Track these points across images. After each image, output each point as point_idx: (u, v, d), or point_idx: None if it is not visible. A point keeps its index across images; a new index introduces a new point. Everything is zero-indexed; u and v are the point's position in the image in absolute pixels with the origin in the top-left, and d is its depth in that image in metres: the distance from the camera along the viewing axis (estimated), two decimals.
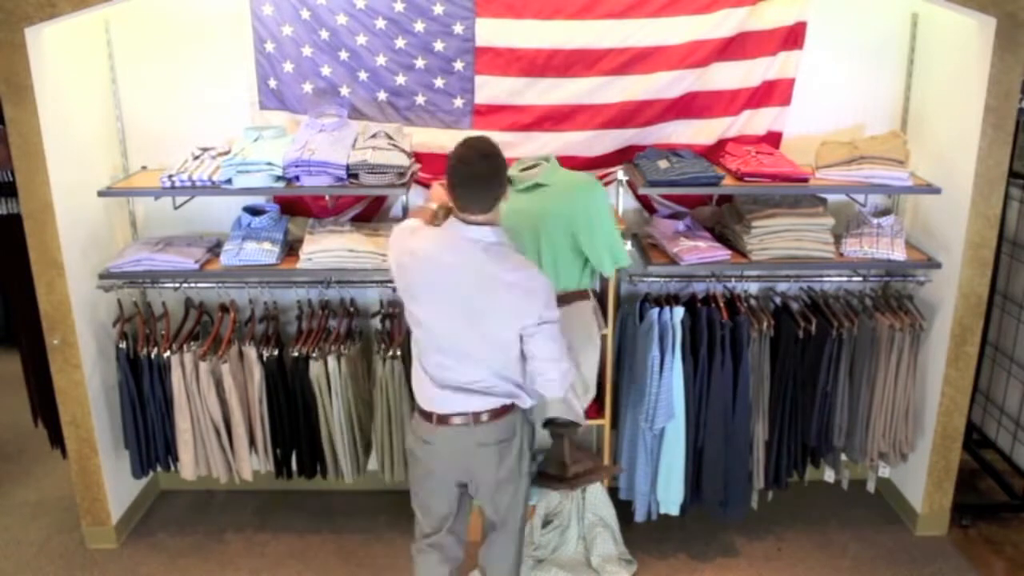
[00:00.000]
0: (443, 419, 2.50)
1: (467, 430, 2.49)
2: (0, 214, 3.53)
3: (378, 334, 3.49)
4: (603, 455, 3.54)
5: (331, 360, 3.29)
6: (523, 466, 2.62)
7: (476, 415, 2.48)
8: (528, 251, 2.68)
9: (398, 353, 3.28)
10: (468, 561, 2.89)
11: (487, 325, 2.39)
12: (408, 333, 2.66)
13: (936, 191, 3.23)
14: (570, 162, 3.48)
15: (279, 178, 3.15)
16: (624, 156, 3.48)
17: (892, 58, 3.46)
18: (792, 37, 3.36)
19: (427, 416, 2.53)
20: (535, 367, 2.46)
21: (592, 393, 3.01)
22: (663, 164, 3.18)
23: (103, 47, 3.37)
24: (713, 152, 3.45)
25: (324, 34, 3.32)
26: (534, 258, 2.70)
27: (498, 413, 2.50)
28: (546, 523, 3.45)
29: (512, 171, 2.76)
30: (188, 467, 3.44)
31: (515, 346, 2.43)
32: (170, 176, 3.13)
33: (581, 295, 2.85)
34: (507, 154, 2.43)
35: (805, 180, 3.19)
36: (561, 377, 2.48)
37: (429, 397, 2.50)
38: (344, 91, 3.40)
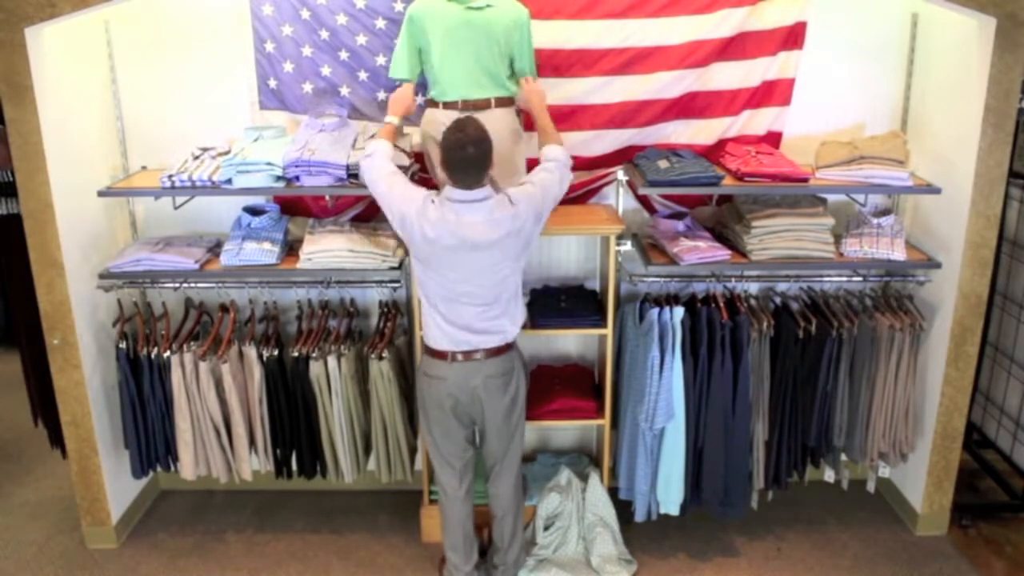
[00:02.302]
0: (455, 356, 2.87)
1: (477, 364, 2.88)
2: (0, 214, 3.53)
3: (372, 334, 3.49)
4: (603, 455, 3.54)
5: (331, 360, 3.29)
6: (520, 398, 3.02)
7: (484, 351, 2.88)
8: (473, 59, 3.05)
9: (384, 355, 3.27)
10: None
11: (494, 270, 2.78)
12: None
13: (936, 191, 3.23)
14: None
15: (279, 178, 3.15)
16: (624, 156, 3.48)
17: (892, 58, 3.46)
18: (792, 37, 3.36)
19: (440, 354, 2.89)
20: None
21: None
22: (663, 164, 3.18)
23: (103, 47, 3.37)
24: (713, 152, 3.45)
25: (324, 34, 3.32)
26: (476, 65, 3.06)
27: (500, 350, 2.91)
28: (548, 526, 3.45)
29: None
30: (188, 467, 3.44)
31: (513, 281, 2.85)
32: (170, 176, 3.13)
33: (508, 101, 3.18)
34: None
35: (805, 180, 3.19)
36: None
37: (441, 337, 2.87)
38: (344, 91, 3.40)
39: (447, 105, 3.11)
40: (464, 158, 2.66)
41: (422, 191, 2.80)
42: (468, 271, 2.77)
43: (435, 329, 2.88)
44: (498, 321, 2.87)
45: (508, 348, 2.94)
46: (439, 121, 3.10)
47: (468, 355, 2.87)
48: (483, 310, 2.83)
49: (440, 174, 3.19)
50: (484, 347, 2.87)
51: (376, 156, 2.87)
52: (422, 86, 3.27)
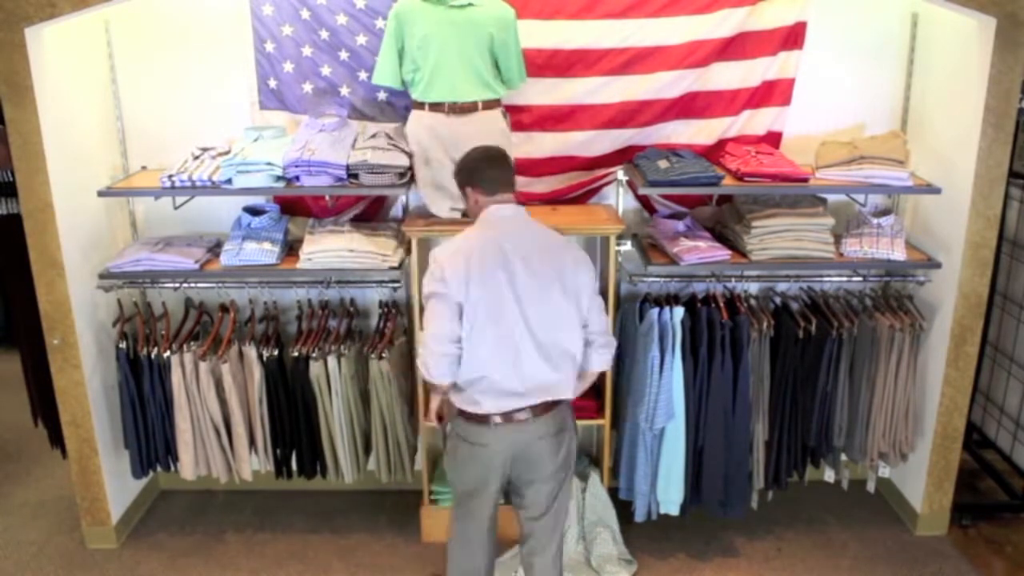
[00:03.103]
0: (503, 420, 2.52)
1: (522, 426, 2.53)
2: (0, 214, 3.53)
3: (372, 333, 3.49)
4: (603, 455, 3.54)
5: (331, 360, 3.29)
6: (571, 460, 2.69)
7: (537, 407, 2.53)
8: (457, 58, 3.04)
9: (384, 355, 3.27)
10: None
11: (558, 308, 2.48)
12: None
13: (936, 191, 3.23)
14: (570, 162, 3.49)
15: (279, 178, 3.15)
16: (624, 156, 3.48)
17: (892, 58, 3.46)
18: (792, 37, 3.36)
19: (482, 419, 2.53)
20: (592, 336, 2.57)
21: None
22: (663, 164, 3.18)
23: (103, 47, 3.37)
24: (713, 152, 3.45)
25: (324, 34, 3.32)
26: (460, 65, 3.04)
27: (551, 405, 2.56)
28: None
29: None
30: (188, 467, 3.44)
31: (578, 328, 2.53)
32: (170, 176, 3.13)
33: (495, 102, 3.16)
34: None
35: (805, 180, 3.19)
36: (610, 346, 2.64)
37: (486, 402, 2.50)
38: (344, 91, 3.40)
39: (433, 107, 3.11)
40: (491, 157, 2.59)
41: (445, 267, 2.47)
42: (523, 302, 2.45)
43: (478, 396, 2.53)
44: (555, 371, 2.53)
45: (558, 404, 2.59)
46: (424, 123, 3.11)
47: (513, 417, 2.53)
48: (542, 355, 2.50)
49: (423, 175, 3.19)
50: (531, 404, 2.53)
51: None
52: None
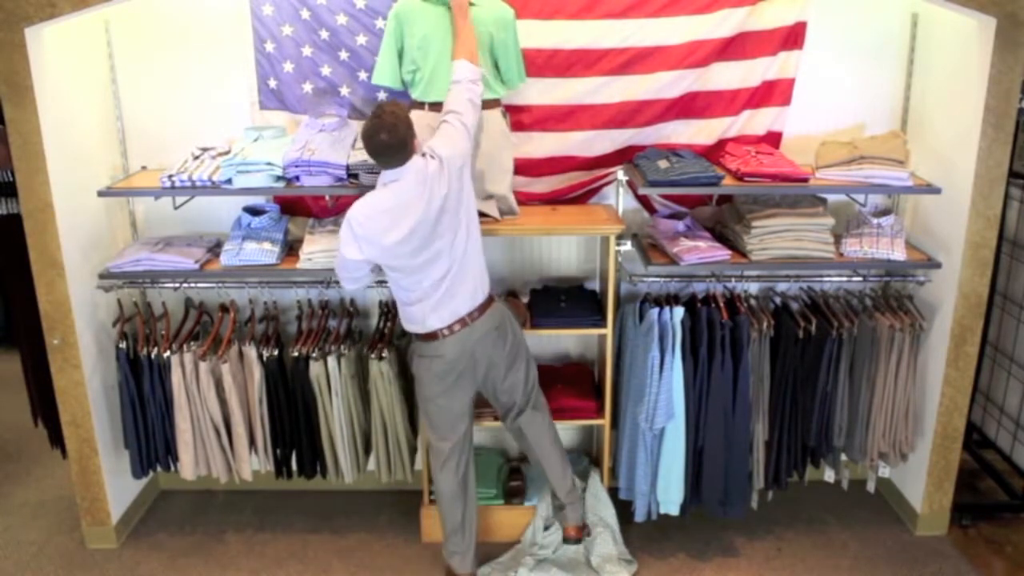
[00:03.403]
0: (449, 331, 2.93)
1: (468, 331, 2.95)
2: (0, 214, 3.53)
3: (372, 333, 3.49)
4: (603, 455, 3.54)
5: (331, 360, 3.29)
6: (521, 341, 3.13)
7: (472, 313, 2.95)
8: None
9: (384, 355, 3.27)
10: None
11: (447, 227, 2.83)
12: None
13: (936, 191, 3.23)
14: (570, 162, 3.49)
15: (279, 178, 3.15)
16: (624, 156, 3.48)
17: (892, 58, 3.46)
18: (792, 37, 3.36)
19: (430, 336, 2.95)
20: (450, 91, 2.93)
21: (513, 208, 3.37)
22: (663, 164, 3.18)
23: (103, 47, 3.37)
24: (713, 152, 3.45)
25: (324, 34, 3.32)
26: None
27: (485, 306, 2.98)
28: (548, 526, 3.45)
29: None
30: (188, 467, 3.44)
31: (476, 236, 2.94)
32: (170, 176, 3.13)
33: (495, 102, 3.22)
34: None
35: (805, 180, 3.19)
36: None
37: (425, 321, 2.94)
38: (344, 91, 3.40)
39: (433, 106, 3.11)
40: (379, 145, 2.75)
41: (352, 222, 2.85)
42: (431, 244, 2.82)
43: (419, 317, 2.94)
44: (472, 279, 2.94)
45: (491, 301, 3.01)
46: (425, 123, 3.10)
47: (461, 324, 2.93)
48: (456, 274, 2.89)
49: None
50: (467, 311, 2.93)
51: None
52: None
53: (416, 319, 2.96)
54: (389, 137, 2.73)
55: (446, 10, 3.03)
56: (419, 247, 2.81)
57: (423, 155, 2.81)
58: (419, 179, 2.77)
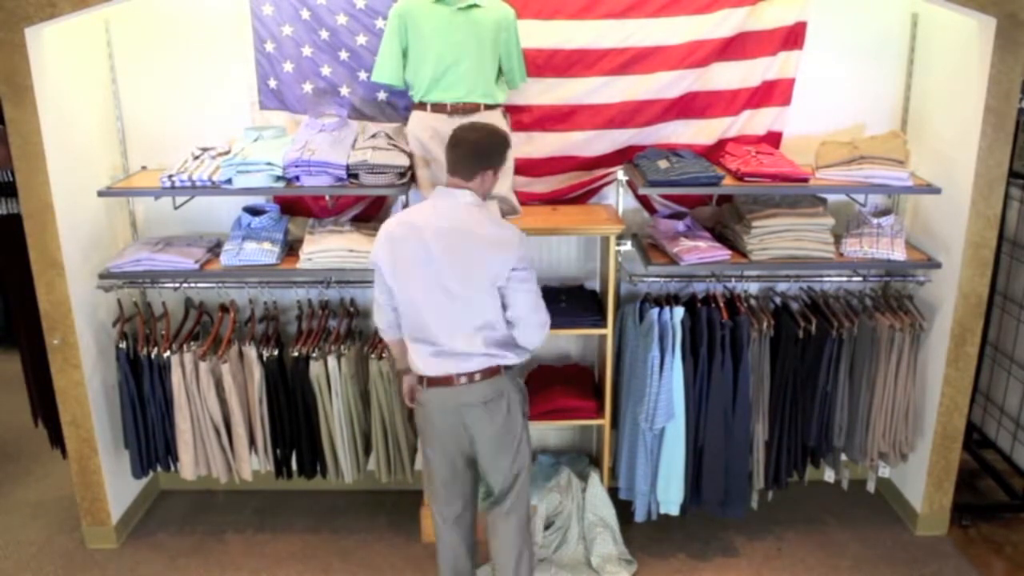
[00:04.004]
0: (433, 381, 2.68)
1: (452, 391, 2.66)
2: (0, 214, 3.53)
3: (372, 333, 3.49)
4: (603, 455, 3.54)
5: (331, 360, 3.29)
6: (515, 428, 2.74)
7: (461, 376, 2.64)
8: (461, 59, 3.05)
9: (384, 355, 3.27)
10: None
11: (470, 283, 2.56)
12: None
13: (936, 191, 3.23)
14: (570, 162, 3.49)
15: (279, 178, 3.15)
16: (624, 156, 3.48)
17: (892, 58, 3.46)
18: (792, 37, 3.36)
19: (420, 380, 2.72)
20: (514, 316, 2.62)
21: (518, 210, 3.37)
22: (663, 164, 3.18)
23: (103, 47, 3.37)
24: (713, 152, 3.45)
25: (324, 34, 3.32)
26: (464, 66, 3.06)
27: (483, 375, 2.65)
28: (548, 526, 3.45)
29: None
30: (188, 467, 3.44)
31: (495, 304, 2.60)
32: (170, 176, 3.13)
33: (496, 103, 3.19)
34: None
35: (805, 180, 3.19)
36: (540, 326, 2.67)
37: (419, 363, 2.69)
38: (344, 91, 3.40)
39: (435, 107, 3.12)
40: (461, 139, 2.59)
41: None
42: (443, 272, 2.56)
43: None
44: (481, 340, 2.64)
45: (496, 372, 2.67)
46: (426, 124, 3.11)
47: (446, 380, 2.65)
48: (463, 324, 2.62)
49: (423, 175, 3.19)
50: (465, 371, 2.64)
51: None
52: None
53: (410, 353, 2.75)
54: (479, 135, 2.58)
55: (451, 12, 3.03)
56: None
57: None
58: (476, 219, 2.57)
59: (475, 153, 2.57)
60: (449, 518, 2.87)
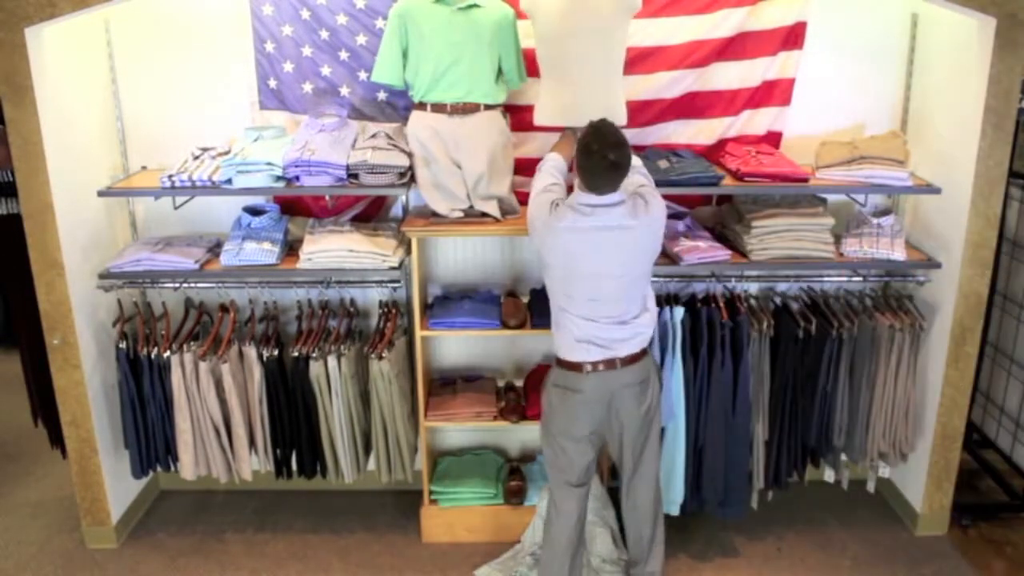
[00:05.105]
0: (593, 366, 2.78)
1: (613, 374, 2.79)
2: (0, 214, 3.53)
3: (372, 333, 3.49)
4: (603, 455, 3.54)
5: (331, 360, 3.29)
6: (656, 408, 2.93)
7: (620, 359, 2.79)
8: (462, 59, 3.05)
9: (384, 355, 3.27)
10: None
11: (629, 272, 2.72)
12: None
13: (936, 191, 3.23)
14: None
15: (279, 178, 3.15)
16: None
17: (892, 58, 3.46)
18: (792, 37, 3.36)
19: (575, 366, 2.80)
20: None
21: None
22: (663, 164, 3.18)
23: (103, 47, 3.37)
24: (713, 152, 3.45)
25: (324, 34, 3.32)
26: (465, 66, 3.06)
27: (636, 357, 2.82)
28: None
29: None
30: (188, 467, 3.44)
31: (647, 287, 2.82)
32: (170, 176, 3.13)
33: (495, 104, 3.20)
34: None
35: (805, 180, 3.19)
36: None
37: (575, 349, 2.78)
38: (344, 91, 3.40)
39: (435, 107, 3.12)
40: (607, 164, 2.58)
41: (549, 199, 2.76)
42: (603, 270, 2.69)
43: (569, 340, 2.79)
44: (632, 326, 2.78)
45: (644, 354, 2.86)
46: (426, 124, 3.11)
47: (607, 364, 2.78)
48: (620, 313, 2.75)
49: (423, 175, 3.19)
50: (620, 355, 2.78)
51: (541, 170, 2.88)
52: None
53: (565, 340, 2.82)
54: (619, 154, 2.60)
55: (451, 12, 3.03)
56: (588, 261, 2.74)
57: (635, 199, 2.74)
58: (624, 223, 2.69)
59: (621, 173, 2.65)
60: (575, 485, 2.96)
